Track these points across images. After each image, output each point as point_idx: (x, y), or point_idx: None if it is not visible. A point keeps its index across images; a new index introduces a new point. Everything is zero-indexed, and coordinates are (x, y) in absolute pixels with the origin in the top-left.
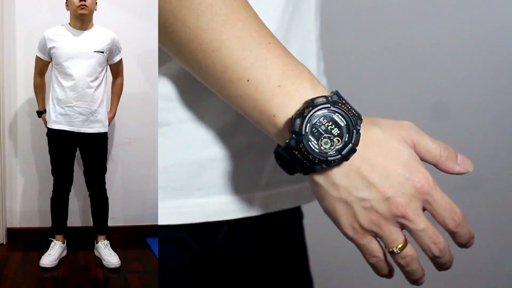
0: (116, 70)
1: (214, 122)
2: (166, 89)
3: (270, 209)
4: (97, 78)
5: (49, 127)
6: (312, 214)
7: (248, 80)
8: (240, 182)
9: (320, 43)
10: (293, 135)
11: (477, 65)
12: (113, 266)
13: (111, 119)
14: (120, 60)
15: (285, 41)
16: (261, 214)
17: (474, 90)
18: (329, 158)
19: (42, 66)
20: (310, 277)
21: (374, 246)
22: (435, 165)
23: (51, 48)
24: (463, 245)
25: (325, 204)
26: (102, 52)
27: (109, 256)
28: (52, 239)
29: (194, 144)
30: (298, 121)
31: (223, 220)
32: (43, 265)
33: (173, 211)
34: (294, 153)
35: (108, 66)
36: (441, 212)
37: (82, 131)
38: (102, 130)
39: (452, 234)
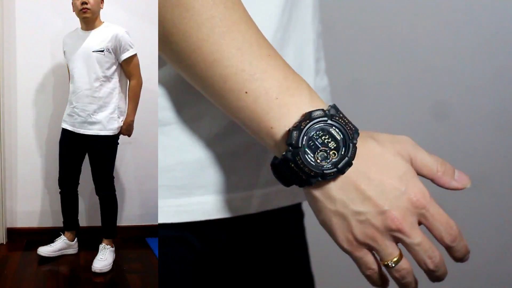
0: (128, 70)
1: (215, 121)
2: (168, 88)
3: (269, 206)
4: (97, 78)
5: (61, 125)
6: (313, 213)
7: (246, 92)
8: (240, 180)
9: (321, 42)
10: (290, 148)
11: (477, 65)
12: (93, 270)
13: (127, 125)
14: (130, 58)
15: (283, 41)
16: (263, 214)
17: (474, 90)
18: (325, 171)
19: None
20: (311, 276)
21: (369, 258)
22: (432, 180)
23: (64, 52)
24: (459, 259)
25: (321, 217)
26: (102, 51)
27: (98, 259)
28: (61, 233)
29: (195, 143)
30: (295, 133)
31: (225, 218)
32: (39, 253)
33: (175, 209)
34: (290, 165)
35: (120, 66)
36: (437, 227)
37: (81, 132)
38: (101, 132)
39: (448, 249)
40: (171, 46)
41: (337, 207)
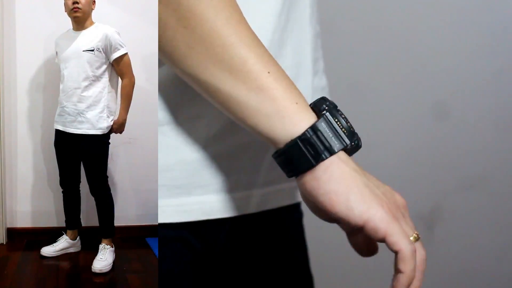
0: (120, 69)
1: (214, 121)
2: (167, 88)
3: (268, 206)
4: (87, 77)
5: (54, 126)
6: (312, 213)
7: (269, 72)
8: (239, 180)
9: (319, 42)
10: (330, 108)
11: (477, 65)
12: (93, 270)
13: (119, 124)
14: (121, 58)
15: (281, 42)
16: (262, 213)
17: (474, 90)
18: (355, 136)
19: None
20: (310, 275)
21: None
22: None
23: (57, 53)
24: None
25: (343, 185)
26: (92, 50)
27: (98, 260)
28: (63, 232)
29: (194, 143)
30: (327, 102)
31: (224, 218)
32: (42, 253)
33: (174, 209)
34: (329, 125)
35: (112, 65)
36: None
37: (70, 131)
38: (90, 131)
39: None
40: (183, 32)
41: (363, 177)
